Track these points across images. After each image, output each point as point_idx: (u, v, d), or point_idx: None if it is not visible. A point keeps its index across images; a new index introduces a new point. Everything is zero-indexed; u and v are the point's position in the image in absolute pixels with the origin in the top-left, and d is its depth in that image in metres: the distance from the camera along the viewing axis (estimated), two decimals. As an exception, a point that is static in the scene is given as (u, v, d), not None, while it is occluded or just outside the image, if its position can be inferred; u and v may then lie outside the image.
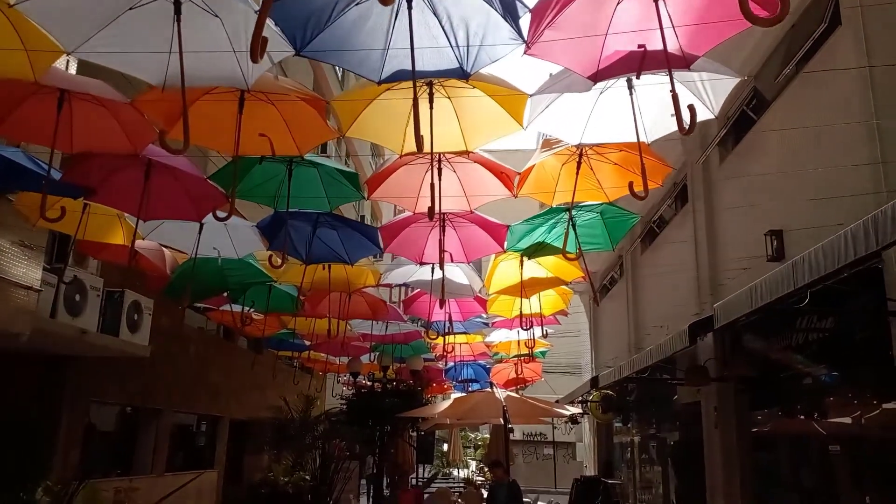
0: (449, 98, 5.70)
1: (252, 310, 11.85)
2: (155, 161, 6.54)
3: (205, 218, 7.46)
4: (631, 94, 5.22)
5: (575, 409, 14.35)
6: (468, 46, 4.47)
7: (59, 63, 7.48)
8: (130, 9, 4.30)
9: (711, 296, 12.57)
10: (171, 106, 5.45)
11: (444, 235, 7.72)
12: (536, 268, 9.22)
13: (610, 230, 7.98)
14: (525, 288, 9.16)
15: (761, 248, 10.53)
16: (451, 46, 4.52)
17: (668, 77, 5.30)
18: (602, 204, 7.45)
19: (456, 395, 20.98)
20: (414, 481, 19.35)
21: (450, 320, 10.86)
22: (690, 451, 14.01)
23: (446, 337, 12.92)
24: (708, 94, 5.42)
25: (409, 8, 4.25)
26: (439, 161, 6.54)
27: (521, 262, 8.90)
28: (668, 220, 16.12)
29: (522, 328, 10.74)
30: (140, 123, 5.84)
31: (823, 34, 8.99)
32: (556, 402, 16.26)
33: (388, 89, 5.54)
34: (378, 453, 15.65)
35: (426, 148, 5.70)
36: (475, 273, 9.67)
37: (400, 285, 10.59)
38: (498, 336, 15.55)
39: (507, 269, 9.22)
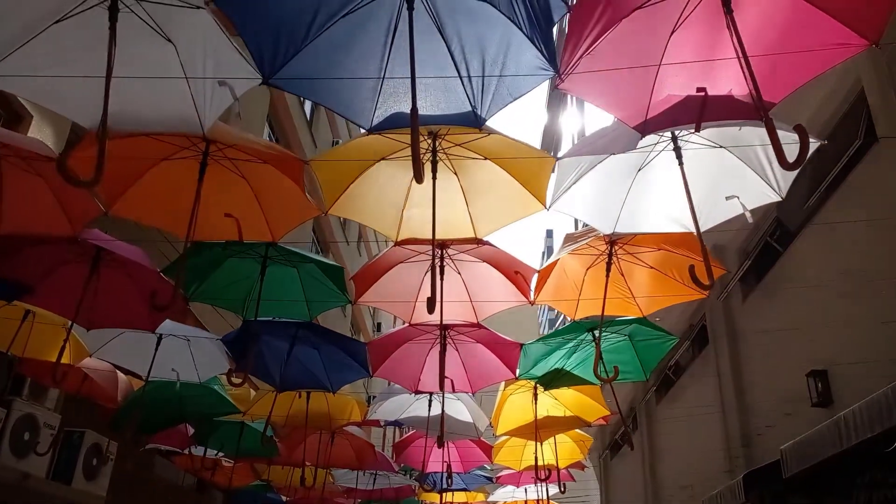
0: (455, 173, 4.65)
1: (221, 455, 10.17)
2: (103, 251, 5.39)
3: (161, 326, 6.20)
4: (680, 162, 4.17)
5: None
6: (483, 78, 3.47)
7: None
8: (58, 21, 3.34)
9: (745, 448, 10.92)
10: (117, 167, 4.42)
11: (444, 357, 6.39)
12: (553, 404, 7.75)
13: (642, 357, 6.65)
14: (539, 430, 7.64)
15: (802, 391, 9.12)
16: (462, 78, 3.52)
17: (715, 141, 4.34)
18: (633, 322, 6.19)
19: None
20: None
21: (448, 472, 9.16)
22: None
23: (444, 494, 11.06)
24: (773, 170, 4.37)
25: (411, 28, 3.26)
26: (441, 258, 5.39)
27: (535, 394, 7.45)
28: (686, 366, 14.68)
29: (538, 480, 8.95)
30: (82, 198, 4.76)
31: (858, 151, 8.22)
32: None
33: (384, 159, 4.52)
34: None
35: (426, 234, 4.63)
36: (479, 409, 8.15)
37: (390, 423, 9.02)
38: (502, 494, 13.52)
39: (518, 404, 7.74)
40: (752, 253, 11.26)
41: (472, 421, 8.01)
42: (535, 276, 5.43)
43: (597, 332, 6.43)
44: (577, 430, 9.32)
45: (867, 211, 7.95)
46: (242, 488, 12.06)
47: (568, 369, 6.90)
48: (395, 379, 7.04)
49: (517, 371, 6.70)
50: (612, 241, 5.33)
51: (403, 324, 6.11)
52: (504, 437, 9.41)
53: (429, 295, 4.22)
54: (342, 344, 6.55)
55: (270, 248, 5.52)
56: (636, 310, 5.89)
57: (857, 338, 7.98)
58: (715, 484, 9.57)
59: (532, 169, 4.33)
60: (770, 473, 6.43)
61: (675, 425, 14.54)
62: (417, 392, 7.06)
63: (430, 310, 4.01)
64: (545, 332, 6.40)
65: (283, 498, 12.82)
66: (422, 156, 4.48)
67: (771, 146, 4.23)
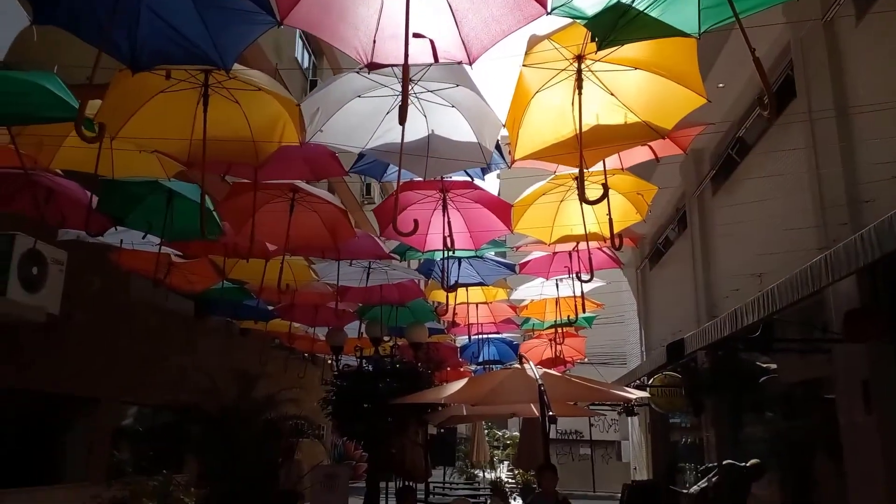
0: None
1: (159, 244, 7.41)
2: None
3: None
4: None
5: (642, 393, 9.61)
6: None
7: None
8: None
9: (854, 211, 7.79)
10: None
11: None
12: (607, 102, 4.52)
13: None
14: (585, 146, 4.49)
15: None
16: None
17: None
18: None
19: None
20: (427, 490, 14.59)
21: (450, 245, 6.27)
22: (810, 449, 9.24)
23: (452, 290, 8.30)
24: None
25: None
26: None
27: (579, 73, 4.21)
28: (754, 142, 11.28)
29: (571, 270, 5.87)
30: None
31: None
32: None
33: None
34: (373, 457, 10.99)
35: None
36: (486, 105, 4.82)
37: (361, 168, 5.89)
38: (528, 291, 10.76)
39: (549, 109, 4.53)
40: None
41: (474, 139, 4.85)
42: None
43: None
44: (635, 177, 6.23)
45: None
46: (209, 294, 9.43)
47: (641, 9, 3.62)
48: (328, 35, 3.79)
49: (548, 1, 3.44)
50: None
51: None
52: (527, 193, 6.38)
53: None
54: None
55: None
56: None
57: None
58: (801, 264, 6.64)
59: None
60: None
61: (739, 213, 11.41)
62: (372, 66, 3.84)
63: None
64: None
65: (270, 307, 10.31)
66: None
67: None
